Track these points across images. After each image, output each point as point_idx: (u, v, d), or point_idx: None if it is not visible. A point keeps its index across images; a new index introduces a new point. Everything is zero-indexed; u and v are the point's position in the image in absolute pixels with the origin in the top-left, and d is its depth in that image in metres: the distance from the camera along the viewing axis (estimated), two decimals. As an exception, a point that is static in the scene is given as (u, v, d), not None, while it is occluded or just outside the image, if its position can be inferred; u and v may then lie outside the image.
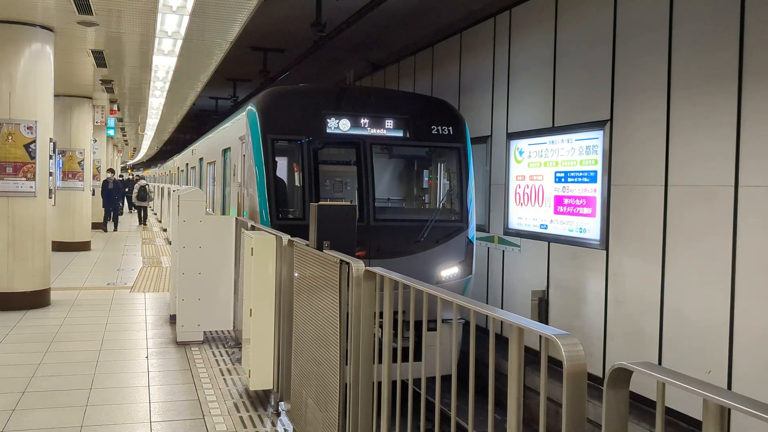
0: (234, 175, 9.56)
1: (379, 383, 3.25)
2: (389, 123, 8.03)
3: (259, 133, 7.66)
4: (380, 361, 3.23)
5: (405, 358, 3.73)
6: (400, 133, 8.12)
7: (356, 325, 3.35)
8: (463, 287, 7.93)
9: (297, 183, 7.86)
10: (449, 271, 7.85)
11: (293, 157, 8.25)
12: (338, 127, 7.84)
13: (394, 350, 3.21)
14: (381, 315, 3.25)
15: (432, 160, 8.97)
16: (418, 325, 6.76)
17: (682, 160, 6.44)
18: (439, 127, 8.18)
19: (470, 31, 10.94)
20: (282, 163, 8.35)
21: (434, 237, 7.81)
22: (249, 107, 8.22)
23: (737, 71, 5.87)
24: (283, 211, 7.83)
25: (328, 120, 7.80)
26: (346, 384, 3.47)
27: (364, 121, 7.92)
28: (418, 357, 6.93)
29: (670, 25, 6.63)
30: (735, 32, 5.90)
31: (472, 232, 8.12)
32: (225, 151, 10.91)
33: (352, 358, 3.37)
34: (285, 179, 8.41)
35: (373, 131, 7.97)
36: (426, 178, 9.19)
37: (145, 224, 23.60)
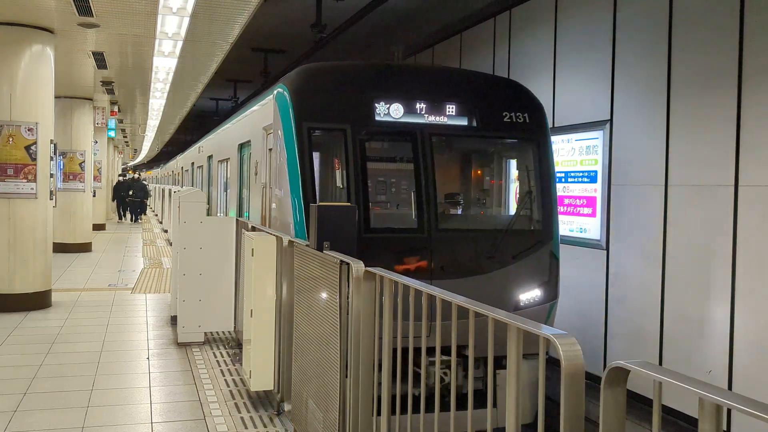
0: (256, 174, 7.94)
1: (380, 383, 3.25)
2: (451, 109, 6.48)
3: (291, 120, 6.15)
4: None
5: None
6: (464, 122, 6.54)
7: (356, 326, 3.35)
8: (546, 314, 6.31)
9: (339, 184, 6.32)
10: (529, 294, 6.26)
11: (334, 151, 6.63)
12: (389, 113, 6.30)
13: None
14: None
15: (504, 155, 7.42)
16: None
17: (682, 160, 6.44)
18: (513, 114, 6.59)
19: (470, 32, 10.95)
20: (320, 159, 6.78)
21: (510, 251, 6.24)
22: (277, 89, 6.63)
23: (737, 71, 5.88)
24: None
25: (377, 105, 6.25)
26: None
27: (420, 106, 6.38)
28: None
29: (669, 25, 6.64)
30: (735, 33, 5.91)
31: (556, 245, 6.47)
32: (242, 145, 9.20)
33: (352, 358, 3.36)
34: (325, 179, 6.80)
35: (432, 119, 6.43)
36: (498, 179, 7.58)
37: (145, 213, 27.81)
